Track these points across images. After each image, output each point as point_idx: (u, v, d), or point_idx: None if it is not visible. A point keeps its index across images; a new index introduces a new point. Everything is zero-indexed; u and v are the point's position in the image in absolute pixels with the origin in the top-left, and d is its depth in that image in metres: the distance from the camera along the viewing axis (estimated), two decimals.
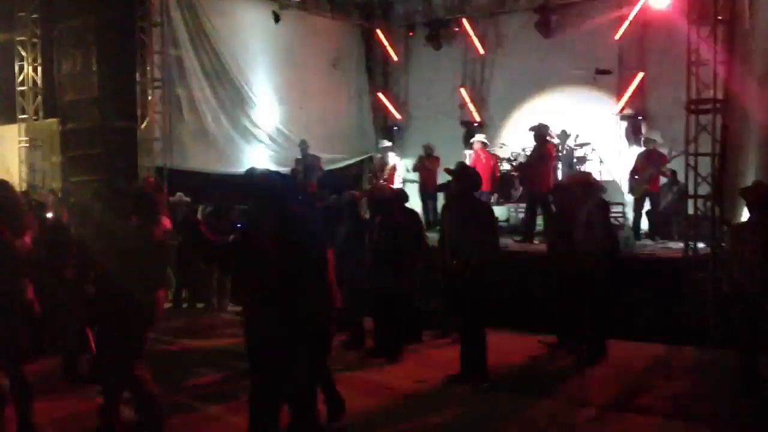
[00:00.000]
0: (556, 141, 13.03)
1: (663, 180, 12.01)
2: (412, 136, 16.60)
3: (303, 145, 13.59)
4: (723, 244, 8.86)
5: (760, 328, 6.51)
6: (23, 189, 12.09)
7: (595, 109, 14.27)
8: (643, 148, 12.38)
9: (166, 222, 7.85)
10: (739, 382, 6.65)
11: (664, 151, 11.94)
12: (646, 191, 11.70)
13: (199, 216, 9.33)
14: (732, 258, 6.98)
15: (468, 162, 12.87)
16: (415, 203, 11.53)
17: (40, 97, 13.09)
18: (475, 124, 15.73)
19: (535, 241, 11.44)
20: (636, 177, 11.81)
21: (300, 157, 13.72)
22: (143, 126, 12.04)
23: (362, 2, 16.56)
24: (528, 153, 12.82)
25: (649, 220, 11.98)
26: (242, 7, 14.11)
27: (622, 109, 14.10)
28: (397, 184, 13.54)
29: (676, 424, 6.14)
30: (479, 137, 13.62)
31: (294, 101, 15.06)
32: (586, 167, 13.14)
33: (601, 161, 13.45)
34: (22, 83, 13.10)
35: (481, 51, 15.83)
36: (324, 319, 5.19)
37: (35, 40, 12.92)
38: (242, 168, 13.30)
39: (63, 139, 12.88)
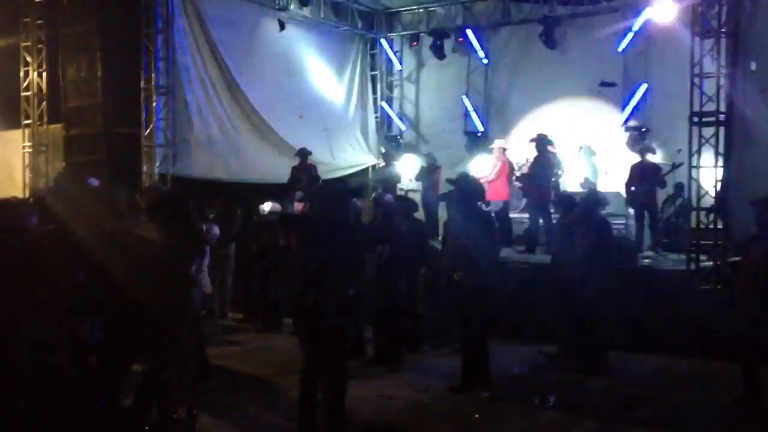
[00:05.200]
0: (556, 151, 12.94)
1: (666, 191, 11.98)
2: (416, 146, 16.61)
3: (302, 153, 13.23)
4: (728, 258, 8.85)
5: (762, 340, 6.49)
6: (27, 194, 12.07)
7: (599, 120, 14.25)
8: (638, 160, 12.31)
9: None
10: (740, 394, 6.63)
11: (663, 162, 11.92)
12: (643, 203, 11.62)
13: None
14: (737, 269, 6.97)
15: (490, 168, 12.78)
16: (418, 212, 11.47)
17: (44, 103, 13.09)
18: (479, 134, 15.70)
19: (537, 252, 11.42)
20: (632, 189, 11.74)
21: (298, 164, 13.34)
22: (147, 132, 12.06)
23: (367, 11, 16.58)
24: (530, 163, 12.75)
25: (651, 232, 11.93)
26: (247, 14, 14.10)
27: (626, 120, 14.07)
28: (399, 193, 13.42)
29: None
30: (498, 143, 13.33)
31: (297, 110, 15.04)
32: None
33: (606, 173, 13.37)
34: (26, 88, 13.10)
35: (485, 61, 15.84)
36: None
37: (40, 45, 12.92)
38: (247, 177, 13.30)
39: (67, 144, 12.93)
